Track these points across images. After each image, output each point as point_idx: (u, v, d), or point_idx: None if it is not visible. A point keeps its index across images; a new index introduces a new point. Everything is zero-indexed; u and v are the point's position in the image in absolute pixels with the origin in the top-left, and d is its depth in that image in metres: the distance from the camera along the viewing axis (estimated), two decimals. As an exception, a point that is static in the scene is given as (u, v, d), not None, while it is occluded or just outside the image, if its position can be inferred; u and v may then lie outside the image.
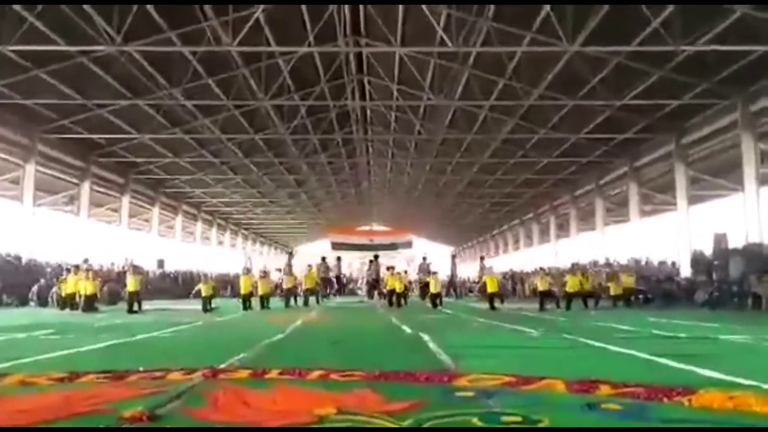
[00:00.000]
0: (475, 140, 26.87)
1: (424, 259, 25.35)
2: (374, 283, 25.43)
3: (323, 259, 25.54)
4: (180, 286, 33.28)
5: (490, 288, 18.28)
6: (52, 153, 23.97)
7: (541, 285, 17.66)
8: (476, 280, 30.91)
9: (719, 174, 22.30)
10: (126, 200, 30.72)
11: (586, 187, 32.38)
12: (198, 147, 28.06)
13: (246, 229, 55.70)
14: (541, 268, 18.43)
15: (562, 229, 38.34)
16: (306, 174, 35.83)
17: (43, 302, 21.16)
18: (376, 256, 26.14)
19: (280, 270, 22.92)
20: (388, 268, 22.02)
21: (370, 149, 34.91)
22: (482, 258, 19.24)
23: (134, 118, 23.11)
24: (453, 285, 29.86)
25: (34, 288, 21.76)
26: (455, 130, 26.20)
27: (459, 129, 25.72)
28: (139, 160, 28.61)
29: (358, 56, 21.81)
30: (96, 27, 15.37)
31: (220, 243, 50.32)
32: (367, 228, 47.22)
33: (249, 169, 32.65)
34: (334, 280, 25.49)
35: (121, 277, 22.76)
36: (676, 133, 22.39)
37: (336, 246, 31.20)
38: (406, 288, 21.04)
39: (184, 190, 36.68)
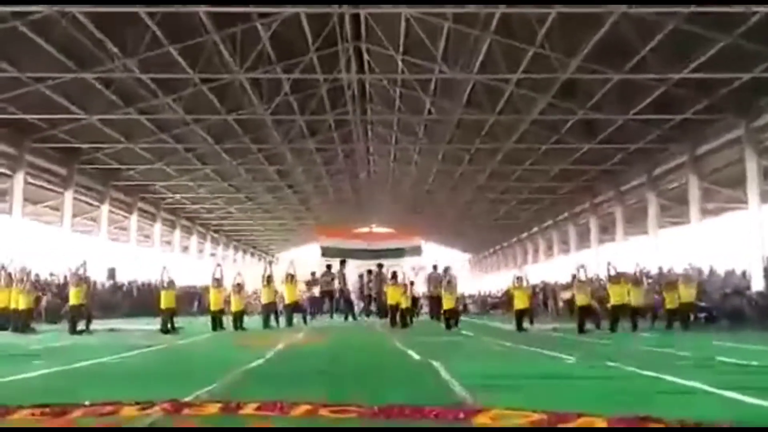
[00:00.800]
0: (499, 122, 26.82)
1: (435, 267, 25.31)
2: (372, 298, 25.42)
3: (329, 267, 25.64)
4: (135, 300, 33.37)
5: (519, 304, 18.21)
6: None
7: (579, 299, 17.53)
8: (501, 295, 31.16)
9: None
10: (69, 196, 30.51)
11: (635, 181, 32.07)
12: (157, 130, 27.95)
13: (216, 231, 55.57)
14: (579, 279, 18.26)
15: (606, 232, 38.25)
16: (291, 164, 35.85)
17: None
18: (380, 265, 25.93)
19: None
20: (392, 277, 21.98)
21: (370, 133, 34.96)
22: (519, 279, 19.21)
23: (79, 95, 23.01)
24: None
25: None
26: (475, 110, 26.19)
27: (479, 109, 25.71)
28: (85, 146, 28.50)
29: (355, 18, 21.77)
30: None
31: (185, 248, 50.16)
32: (365, 230, 47.25)
33: (220, 158, 32.59)
34: (338, 293, 25.17)
35: (62, 289, 22.80)
36: (746, 115, 22.13)
37: (327, 252, 31.06)
38: (413, 303, 21.02)
39: (141, 183, 36.57)
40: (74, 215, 31.67)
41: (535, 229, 51.98)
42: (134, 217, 39.05)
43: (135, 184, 36.45)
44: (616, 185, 34.05)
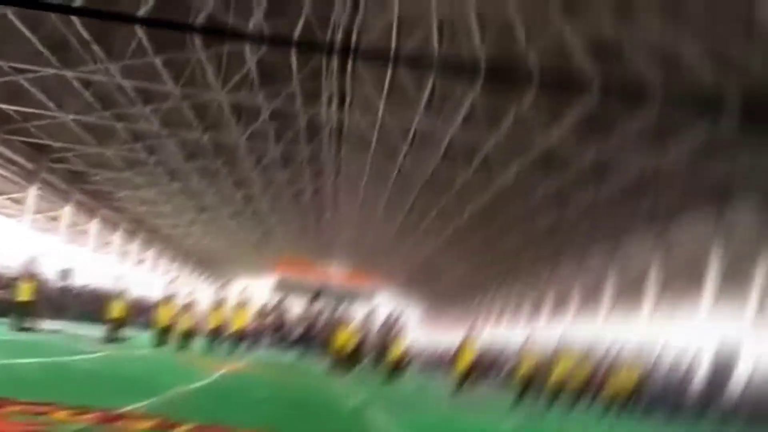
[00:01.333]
0: (472, 181, 27.22)
1: (392, 316, 25.16)
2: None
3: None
4: (85, 305, 32.84)
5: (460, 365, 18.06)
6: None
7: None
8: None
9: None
10: (33, 191, 30.29)
11: (596, 258, 32.54)
12: (130, 140, 27.96)
13: (175, 249, 55.13)
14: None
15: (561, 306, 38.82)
16: (257, 191, 35.73)
17: None
18: (318, 293, 25.56)
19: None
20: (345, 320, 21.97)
21: (342, 172, 35.03)
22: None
23: (57, 92, 22.98)
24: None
25: None
26: (450, 165, 26.40)
27: (454, 163, 26.07)
28: (56, 144, 28.34)
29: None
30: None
31: (141, 261, 49.81)
32: (323, 269, 47.28)
33: (190, 176, 32.51)
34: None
35: (11, 284, 22.30)
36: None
37: (282, 286, 30.91)
38: (359, 347, 20.95)
39: (107, 189, 36.36)
40: (35, 212, 31.43)
41: (495, 292, 52.32)
42: (95, 223, 38.77)
43: (101, 189, 36.21)
44: (578, 260, 34.67)
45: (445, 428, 7.95)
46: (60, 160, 30.43)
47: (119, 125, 25.91)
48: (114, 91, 23.03)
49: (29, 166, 29.21)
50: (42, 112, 24.06)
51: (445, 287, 58.26)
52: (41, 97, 22.89)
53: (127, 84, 21.90)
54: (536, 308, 42.00)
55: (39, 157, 29.27)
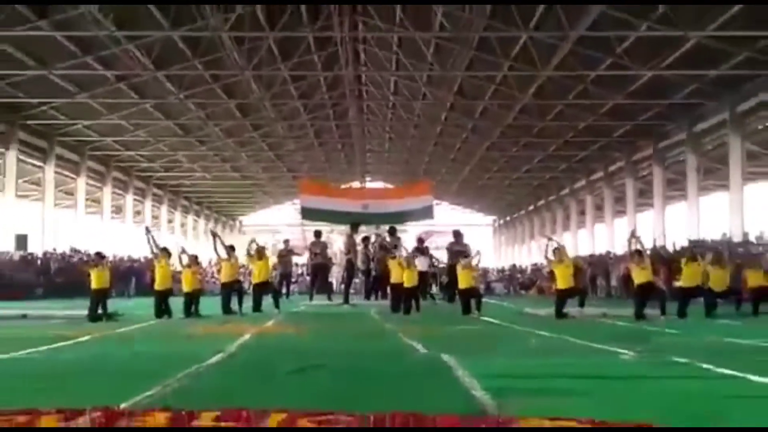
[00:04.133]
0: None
1: (458, 235, 24.92)
2: (377, 276, 24.89)
3: (318, 234, 25.77)
4: (52, 278, 33.54)
5: (561, 283, 18.06)
6: None
7: (638, 276, 17.41)
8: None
9: None
10: (12, 156, 32.13)
11: (675, 137, 36.03)
12: (115, 79, 28.92)
13: (160, 186, 55.84)
14: (638, 251, 18.08)
15: (644, 195, 40.13)
16: (257, 97, 35.67)
17: None
18: (393, 230, 25.21)
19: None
20: (394, 246, 21.90)
21: (362, 55, 34.94)
22: (549, 239, 19.04)
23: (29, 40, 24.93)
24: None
25: None
26: (501, 24, 26.29)
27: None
28: (33, 100, 29.63)
29: None
30: None
31: (138, 213, 51.31)
32: (357, 186, 47.23)
33: (164, 89, 32.73)
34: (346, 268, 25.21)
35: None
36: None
37: (308, 214, 30.73)
38: (421, 282, 20.91)
39: (89, 139, 39.36)
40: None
41: (567, 190, 53.66)
42: (82, 181, 40.88)
43: (83, 139, 39.00)
44: (655, 142, 37.68)
45: (547, 370, 7.86)
46: (35, 117, 31.18)
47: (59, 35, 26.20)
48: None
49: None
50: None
51: (512, 191, 58.89)
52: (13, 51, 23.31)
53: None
54: (643, 194, 42.86)
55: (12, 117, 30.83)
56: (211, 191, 61.06)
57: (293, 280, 31.93)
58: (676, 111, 33.45)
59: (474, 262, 19.88)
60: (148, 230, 20.71)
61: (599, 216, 49.09)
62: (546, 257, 19.35)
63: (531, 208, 63.99)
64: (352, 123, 43.47)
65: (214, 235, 21.79)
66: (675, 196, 39.33)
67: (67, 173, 41.56)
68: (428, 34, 28.55)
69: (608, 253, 39.70)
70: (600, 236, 48.87)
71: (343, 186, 46.20)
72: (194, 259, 19.97)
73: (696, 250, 21.73)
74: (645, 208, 42.45)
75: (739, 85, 28.54)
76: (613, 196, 45.99)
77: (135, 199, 52.09)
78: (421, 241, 25.00)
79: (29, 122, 35.23)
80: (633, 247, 18.11)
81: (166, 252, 19.40)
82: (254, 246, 20.48)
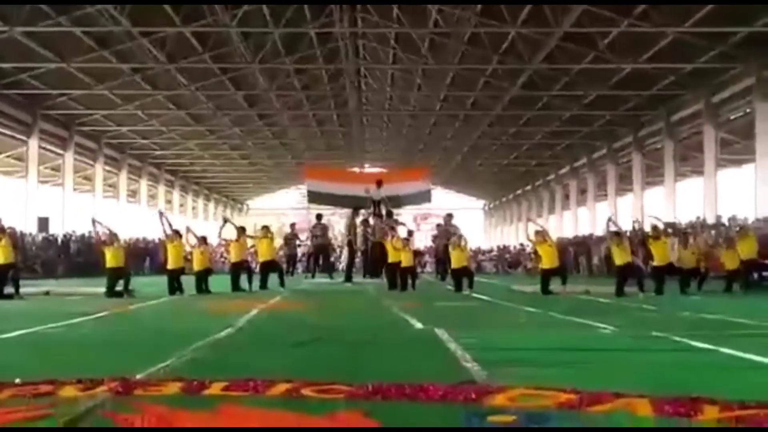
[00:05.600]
0: (521, 37, 27.34)
1: (450, 217, 25.06)
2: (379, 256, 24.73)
3: (319, 217, 25.89)
4: (73, 257, 33.61)
5: (546, 262, 18.29)
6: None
7: (618, 257, 17.51)
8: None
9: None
10: (34, 144, 31.94)
11: (653, 126, 36.62)
12: (130, 72, 28.97)
13: (172, 173, 55.98)
14: (616, 233, 18.19)
15: (624, 181, 40.65)
16: (263, 89, 35.63)
17: None
18: (390, 213, 25.15)
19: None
20: (391, 228, 21.90)
21: (361, 50, 34.83)
22: (530, 220, 19.20)
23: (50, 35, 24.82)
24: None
25: None
26: (491, 21, 26.30)
27: (497, 20, 26.04)
28: (53, 92, 29.73)
29: None
30: None
31: (152, 198, 51.43)
32: (358, 170, 47.15)
33: (176, 82, 32.61)
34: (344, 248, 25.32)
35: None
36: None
37: (315, 197, 30.62)
38: (415, 261, 20.94)
39: (106, 128, 39.57)
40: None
41: (552, 175, 54.02)
42: (99, 167, 40.83)
43: (100, 129, 39.81)
44: (635, 130, 38.49)
45: (534, 342, 7.89)
46: (55, 107, 31.04)
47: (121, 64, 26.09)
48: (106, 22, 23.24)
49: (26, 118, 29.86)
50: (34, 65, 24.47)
51: (503, 176, 58.94)
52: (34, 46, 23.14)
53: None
54: (624, 179, 43.19)
55: (34, 108, 31.14)
56: (220, 177, 61.15)
57: (299, 259, 31.92)
58: (654, 102, 33.94)
59: (462, 242, 19.86)
60: (161, 214, 20.73)
61: (582, 200, 49.38)
62: (528, 238, 19.62)
63: (519, 192, 64.37)
64: (351, 113, 43.39)
65: (225, 220, 22.07)
66: (653, 181, 39.51)
67: (85, 160, 41.57)
68: (423, 30, 28.51)
69: (590, 234, 39.88)
70: (583, 219, 49.09)
71: (350, 171, 46.13)
72: (203, 240, 20.03)
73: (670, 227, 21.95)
74: (625, 193, 42.71)
75: (713, 78, 28.95)
76: (596, 181, 46.46)
77: (149, 184, 52.29)
78: (410, 233, 24.82)
79: (50, 112, 35.25)
80: (610, 230, 18.43)
81: (177, 234, 19.40)
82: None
